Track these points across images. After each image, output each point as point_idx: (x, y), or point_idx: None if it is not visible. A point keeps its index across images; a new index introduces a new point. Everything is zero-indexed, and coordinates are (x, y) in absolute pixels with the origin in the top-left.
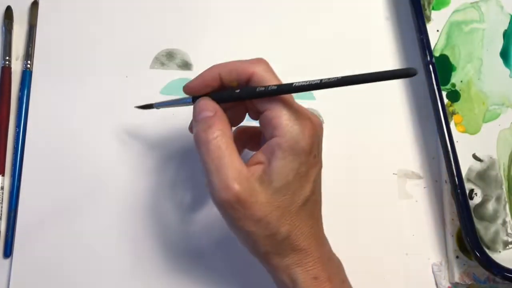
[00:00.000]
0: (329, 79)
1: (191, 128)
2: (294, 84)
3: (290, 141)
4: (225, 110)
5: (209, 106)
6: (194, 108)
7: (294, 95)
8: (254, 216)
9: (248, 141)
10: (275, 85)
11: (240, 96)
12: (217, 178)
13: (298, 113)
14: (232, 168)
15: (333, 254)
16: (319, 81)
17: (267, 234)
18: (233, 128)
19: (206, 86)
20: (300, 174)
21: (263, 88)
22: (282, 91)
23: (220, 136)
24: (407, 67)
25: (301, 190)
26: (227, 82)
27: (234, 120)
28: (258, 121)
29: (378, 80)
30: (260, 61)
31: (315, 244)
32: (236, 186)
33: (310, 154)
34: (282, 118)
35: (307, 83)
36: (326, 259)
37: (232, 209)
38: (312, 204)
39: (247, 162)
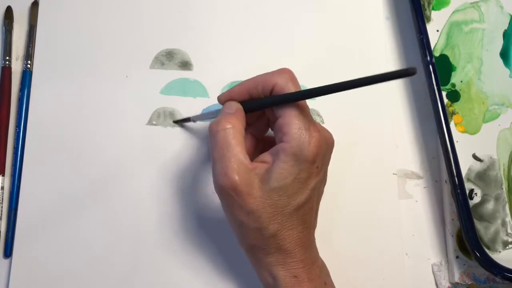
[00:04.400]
0: (332, 84)
1: None
2: (296, 93)
3: (295, 148)
4: (251, 123)
5: (231, 105)
6: (222, 108)
7: None
8: (246, 207)
9: (268, 148)
10: (280, 95)
11: (256, 105)
12: (219, 166)
13: (309, 124)
14: (234, 159)
15: (318, 259)
16: (321, 88)
17: (256, 227)
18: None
19: (235, 100)
20: (299, 180)
21: (265, 98)
22: (284, 99)
23: (228, 129)
24: (407, 66)
25: (297, 195)
26: (255, 96)
27: (258, 131)
28: None
29: (381, 81)
30: (283, 71)
31: (301, 249)
32: (234, 176)
33: (313, 164)
34: (292, 126)
35: (308, 91)
36: (310, 263)
37: (228, 196)
38: (306, 211)
39: (255, 159)
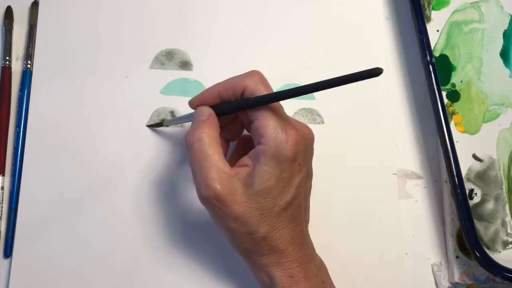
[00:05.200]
0: (307, 85)
1: None
2: (269, 95)
3: (274, 149)
4: (224, 126)
5: (203, 111)
6: (194, 113)
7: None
8: (233, 213)
9: (249, 149)
10: (253, 98)
11: (229, 109)
12: (199, 177)
13: (284, 123)
14: (214, 168)
15: (315, 257)
16: (296, 89)
17: (246, 232)
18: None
19: (206, 104)
20: (282, 180)
21: (240, 100)
22: (256, 102)
23: (204, 139)
24: (374, 67)
25: (283, 194)
26: (226, 99)
27: (232, 134)
28: None
29: (349, 82)
30: (253, 73)
31: (295, 246)
32: (216, 185)
33: (294, 162)
34: (268, 127)
35: (279, 93)
36: (306, 261)
37: (213, 206)
38: (294, 209)
39: (236, 164)
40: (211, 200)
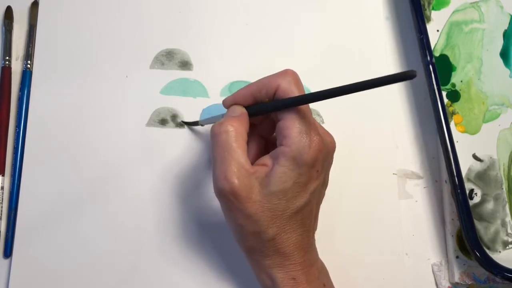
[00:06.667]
0: (333, 88)
1: None
2: (296, 98)
3: (295, 152)
4: (258, 124)
5: (237, 109)
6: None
7: None
8: (245, 211)
9: (271, 149)
10: (282, 100)
11: (259, 110)
12: (219, 168)
13: (309, 128)
14: (235, 163)
15: (317, 260)
16: (322, 92)
17: (255, 231)
18: None
19: (239, 103)
20: (299, 184)
21: (266, 104)
22: (285, 104)
23: (230, 132)
24: (408, 69)
25: (297, 198)
26: (260, 99)
27: (268, 131)
28: None
29: (382, 84)
30: (287, 73)
31: (300, 252)
32: (234, 180)
33: (313, 168)
34: (292, 129)
35: (310, 96)
36: (309, 265)
37: (227, 200)
38: (305, 215)
39: (256, 162)
40: (226, 193)
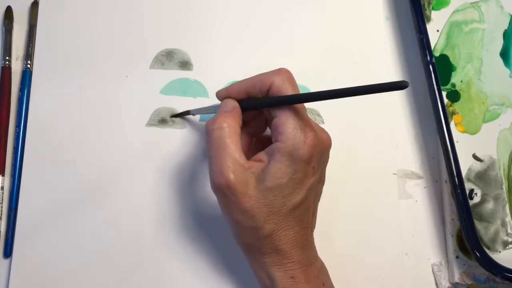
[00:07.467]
0: (328, 91)
1: None
2: (292, 96)
3: (290, 148)
4: (249, 121)
5: (228, 103)
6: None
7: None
8: (242, 206)
9: (267, 145)
10: (277, 97)
11: (253, 105)
12: (214, 164)
13: (304, 124)
14: (229, 158)
15: (317, 259)
16: (318, 93)
17: (251, 226)
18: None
19: (232, 97)
20: (295, 180)
21: (261, 99)
22: (280, 101)
23: (224, 128)
24: (399, 80)
25: (293, 195)
26: (253, 95)
27: (256, 129)
28: None
29: (376, 92)
30: (281, 71)
31: (298, 249)
32: (229, 174)
33: (309, 164)
34: (287, 126)
35: (305, 96)
36: (307, 263)
37: (224, 195)
38: (302, 212)
39: (252, 158)
40: (222, 188)
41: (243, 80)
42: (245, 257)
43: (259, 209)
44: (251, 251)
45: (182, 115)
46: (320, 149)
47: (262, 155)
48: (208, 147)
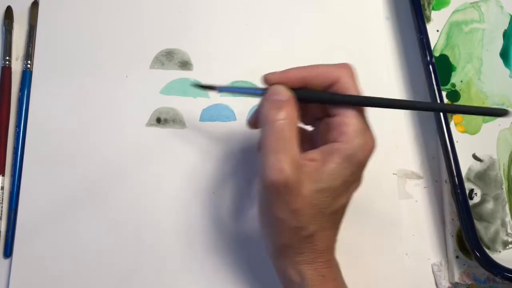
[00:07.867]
0: (418, 102)
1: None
2: (373, 99)
3: (351, 151)
4: None
5: (283, 91)
6: (268, 91)
7: None
8: (293, 205)
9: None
10: (347, 95)
11: (315, 98)
12: (273, 158)
13: (366, 127)
14: (290, 154)
15: (336, 259)
16: (406, 101)
17: (296, 226)
18: None
19: (286, 84)
20: (346, 183)
21: (342, 96)
22: (350, 102)
23: (287, 120)
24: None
25: (341, 197)
26: (311, 86)
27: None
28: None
29: (468, 113)
30: (347, 67)
31: (330, 250)
32: (289, 172)
33: (363, 169)
34: (350, 127)
35: (391, 101)
36: (334, 263)
37: (276, 192)
38: (341, 213)
39: (302, 156)
40: (278, 185)
41: (301, 68)
42: (271, 255)
43: (308, 209)
44: (285, 250)
45: (207, 88)
46: (371, 155)
47: (315, 154)
48: (266, 139)
